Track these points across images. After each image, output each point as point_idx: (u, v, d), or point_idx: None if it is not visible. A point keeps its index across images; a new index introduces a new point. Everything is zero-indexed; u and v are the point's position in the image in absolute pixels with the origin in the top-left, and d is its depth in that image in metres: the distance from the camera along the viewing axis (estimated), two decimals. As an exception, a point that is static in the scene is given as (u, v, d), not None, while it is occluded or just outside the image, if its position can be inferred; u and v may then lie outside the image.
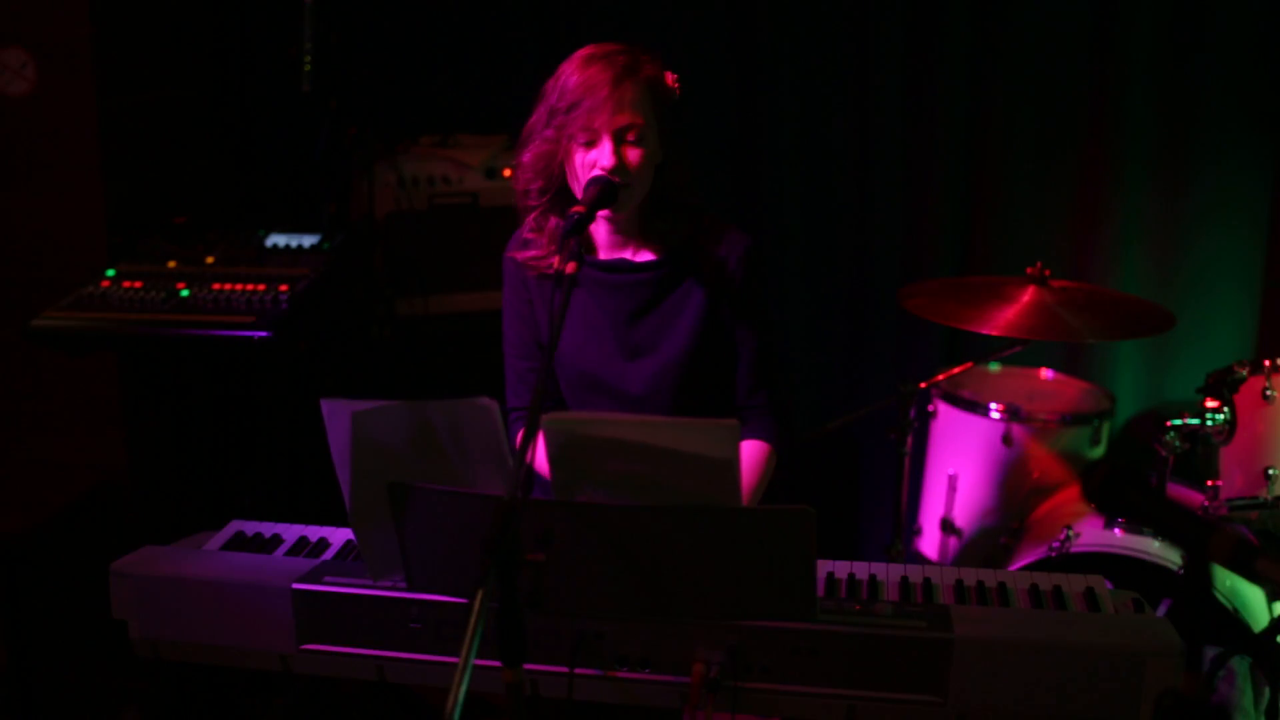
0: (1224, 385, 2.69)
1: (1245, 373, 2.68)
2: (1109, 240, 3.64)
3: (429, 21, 4.00)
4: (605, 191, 2.07)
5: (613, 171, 2.09)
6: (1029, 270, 3.03)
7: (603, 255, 2.29)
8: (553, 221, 2.23)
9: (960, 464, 3.39)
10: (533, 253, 2.28)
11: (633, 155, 2.11)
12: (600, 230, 2.27)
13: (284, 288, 2.93)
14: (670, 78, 2.18)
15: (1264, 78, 3.46)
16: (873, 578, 2.02)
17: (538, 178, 2.19)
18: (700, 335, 2.25)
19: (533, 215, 2.25)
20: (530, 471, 1.63)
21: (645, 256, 2.27)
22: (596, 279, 2.27)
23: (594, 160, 2.11)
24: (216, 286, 2.95)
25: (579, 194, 2.14)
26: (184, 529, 2.19)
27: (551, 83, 2.15)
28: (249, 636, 1.95)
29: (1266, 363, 2.67)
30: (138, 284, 2.97)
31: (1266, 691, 2.34)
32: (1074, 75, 3.61)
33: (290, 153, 3.82)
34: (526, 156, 2.19)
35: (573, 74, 2.11)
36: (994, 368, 3.61)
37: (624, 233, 2.26)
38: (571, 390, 2.35)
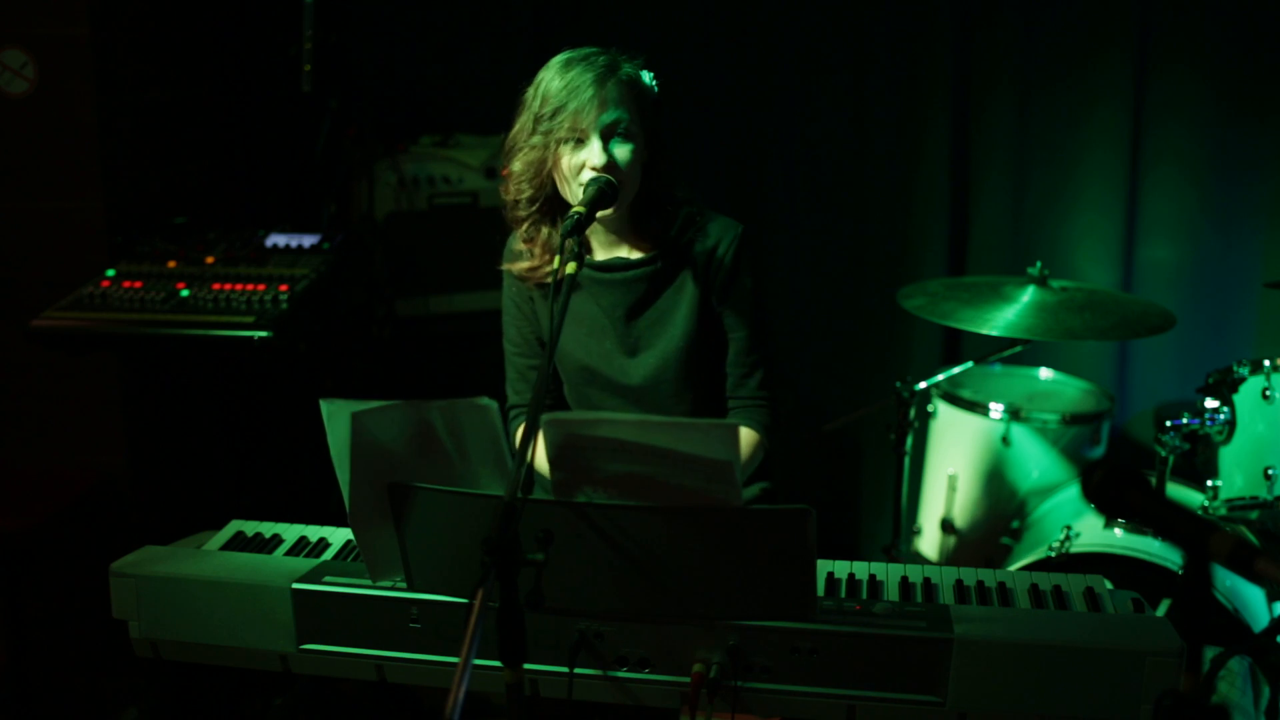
0: (1224, 385, 2.69)
1: (1245, 373, 2.68)
2: (1109, 239, 3.65)
3: (428, 21, 4.00)
4: (604, 192, 2.07)
5: (605, 170, 2.09)
6: (1029, 270, 3.03)
7: (598, 255, 2.30)
8: (545, 230, 2.24)
9: (960, 464, 3.39)
10: (527, 264, 2.28)
11: (621, 153, 2.11)
12: (594, 231, 2.27)
13: (284, 288, 2.93)
14: (649, 76, 2.19)
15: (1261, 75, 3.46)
16: (873, 578, 2.02)
17: (527, 186, 2.19)
18: (697, 326, 2.25)
19: (524, 225, 2.26)
20: (530, 471, 1.63)
21: (640, 253, 2.27)
22: (593, 278, 2.28)
23: (583, 161, 2.11)
24: (216, 286, 2.95)
25: (569, 198, 2.15)
26: (184, 529, 2.19)
27: (532, 91, 2.15)
28: (249, 636, 1.94)
29: (1266, 363, 2.67)
30: (138, 284, 2.97)
31: (1266, 691, 2.34)
32: (1076, 75, 3.61)
33: (290, 153, 3.82)
34: (515, 166, 2.19)
35: (554, 79, 2.12)
36: (994, 368, 3.61)
37: (617, 232, 2.27)
38: (573, 386, 2.36)
